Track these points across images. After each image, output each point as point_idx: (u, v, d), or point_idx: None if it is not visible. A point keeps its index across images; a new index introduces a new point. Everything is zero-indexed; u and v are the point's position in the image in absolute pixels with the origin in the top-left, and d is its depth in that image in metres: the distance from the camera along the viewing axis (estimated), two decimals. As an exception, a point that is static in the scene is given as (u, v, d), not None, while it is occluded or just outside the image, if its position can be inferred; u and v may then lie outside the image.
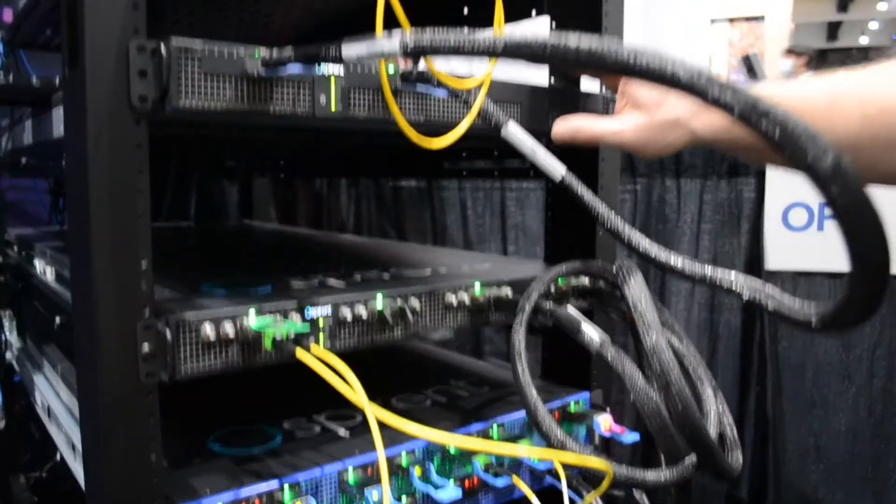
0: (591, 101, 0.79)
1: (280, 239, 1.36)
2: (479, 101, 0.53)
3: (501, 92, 0.70)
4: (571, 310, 0.64)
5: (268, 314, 0.57)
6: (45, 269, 0.99)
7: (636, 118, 0.68)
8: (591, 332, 0.59)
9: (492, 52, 0.35)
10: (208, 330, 0.55)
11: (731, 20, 8.06)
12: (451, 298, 0.70)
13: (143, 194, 0.52)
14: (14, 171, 1.18)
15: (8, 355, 1.33)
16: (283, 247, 1.27)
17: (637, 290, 0.59)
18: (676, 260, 0.54)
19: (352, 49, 0.42)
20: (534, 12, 0.89)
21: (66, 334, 0.90)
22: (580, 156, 0.72)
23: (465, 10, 1.00)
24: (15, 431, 1.27)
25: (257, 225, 1.52)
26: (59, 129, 0.82)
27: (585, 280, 0.75)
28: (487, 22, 0.98)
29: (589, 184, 0.62)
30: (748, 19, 8.04)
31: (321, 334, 0.60)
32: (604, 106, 0.80)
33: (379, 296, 0.64)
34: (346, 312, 0.62)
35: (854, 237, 0.30)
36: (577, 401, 0.84)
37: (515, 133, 0.55)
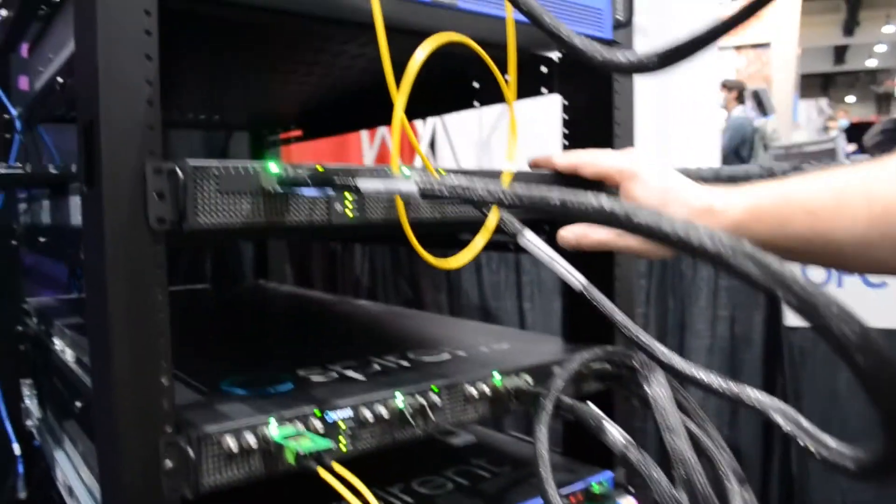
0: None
1: (296, 308, 1.36)
2: (495, 215, 0.53)
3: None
4: (593, 408, 0.63)
5: (288, 423, 0.57)
6: (64, 350, 0.99)
7: None
8: (615, 434, 0.58)
9: (502, 201, 0.35)
10: (230, 442, 0.54)
11: (738, 48, 8.10)
12: (471, 391, 0.69)
13: (163, 313, 0.53)
14: (32, 246, 1.20)
15: (28, 422, 1.34)
16: (300, 321, 1.26)
17: (658, 389, 0.58)
18: (697, 372, 0.54)
19: (369, 184, 0.42)
20: (544, 90, 0.90)
21: (87, 416, 0.90)
22: (595, 258, 0.72)
23: (476, 85, 1.01)
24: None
25: (272, 288, 1.52)
26: (76, 217, 0.83)
27: (606, 364, 0.74)
28: (497, 98, 1.00)
29: (604, 288, 0.62)
30: (754, 46, 8.07)
31: (341, 438, 0.60)
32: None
33: (398, 395, 0.64)
34: (367, 413, 0.62)
35: (885, 407, 0.29)
36: (599, 482, 0.82)
37: (532, 242, 0.55)
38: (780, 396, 1.34)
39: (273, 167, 0.53)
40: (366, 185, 0.42)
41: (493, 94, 0.99)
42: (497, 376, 0.71)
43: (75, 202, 0.83)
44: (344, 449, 0.60)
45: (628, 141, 0.85)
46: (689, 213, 0.66)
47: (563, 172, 0.75)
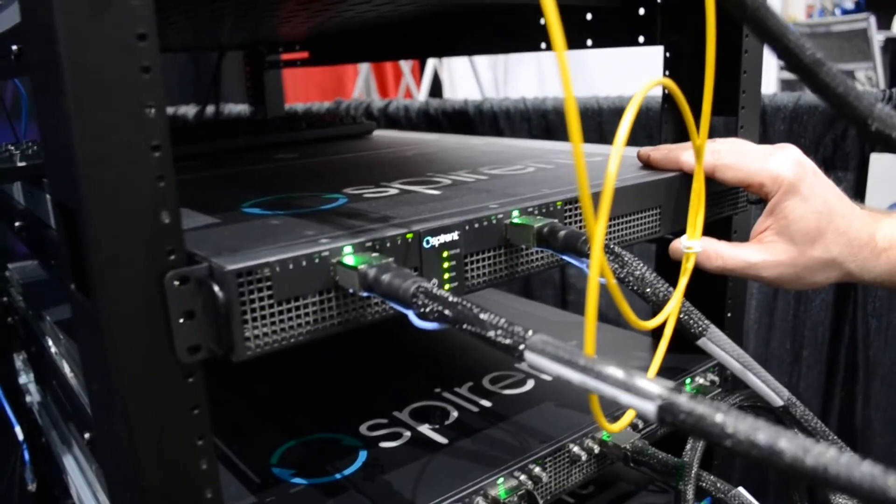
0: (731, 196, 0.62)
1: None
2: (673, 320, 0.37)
3: (635, 197, 0.54)
4: (744, 494, 0.50)
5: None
6: (62, 361, 0.85)
7: (782, 251, 0.53)
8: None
9: (748, 452, 0.20)
10: None
11: None
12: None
13: (209, 461, 0.37)
14: (6, 223, 1.02)
15: (28, 399, 1.21)
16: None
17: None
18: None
19: (576, 376, 0.26)
20: (641, 39, 0.70)
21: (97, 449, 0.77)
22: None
23: (543, 21, 0.80)
24: (49, 497, 1.16)
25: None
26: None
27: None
28: (573, 41, 0.80)
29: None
30: None
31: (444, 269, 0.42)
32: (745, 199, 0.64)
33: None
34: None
35: None
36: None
37: (719, 342, 0.39)
38: (847, 337, 1.24)
39: (353, 253, 0.36)
40: (574, 376, 0.25)
41: (569, 37, 0.79)
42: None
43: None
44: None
45: (753, 115, 0.66)
46: (849, 246, 0.54)
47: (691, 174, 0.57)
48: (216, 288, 0.34)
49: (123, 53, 0.32)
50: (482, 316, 0.29)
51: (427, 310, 0.31)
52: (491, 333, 0.28)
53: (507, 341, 0.27)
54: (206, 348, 0.35)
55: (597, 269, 0.24)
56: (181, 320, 0.34)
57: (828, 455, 0.20)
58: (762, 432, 0.21)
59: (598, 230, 0.24)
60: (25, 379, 1.23)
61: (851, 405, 1.27)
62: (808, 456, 0.20)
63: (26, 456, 1.16)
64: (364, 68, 2.82)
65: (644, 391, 0.23)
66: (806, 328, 1.30)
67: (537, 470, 0.54)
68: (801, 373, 1.31)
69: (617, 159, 0.26)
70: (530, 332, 0.27)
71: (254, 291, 0.35)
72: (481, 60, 2.74)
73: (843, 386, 1.28)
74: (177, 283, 0.34)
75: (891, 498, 0.19)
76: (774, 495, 1.19)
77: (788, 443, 0.21)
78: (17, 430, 1.16)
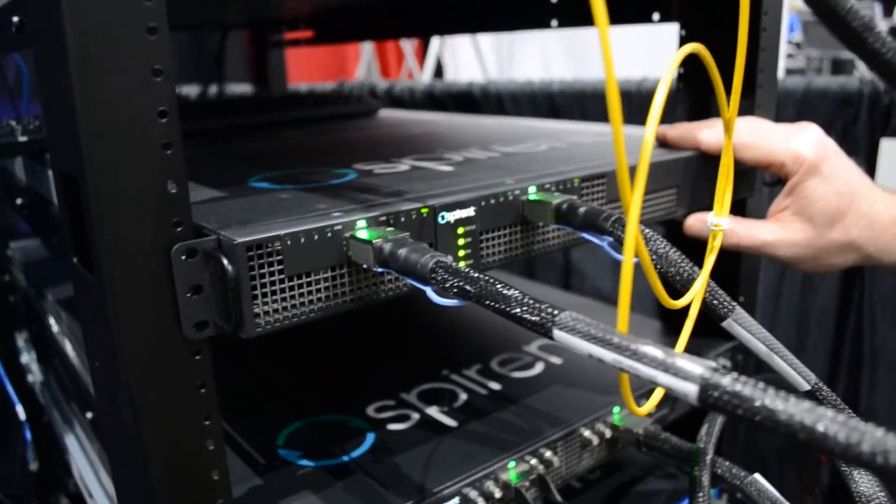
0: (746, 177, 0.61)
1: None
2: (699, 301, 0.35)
3: (653, 177, 0.52)
4: (761, 481, 0.49)
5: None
6: (64, 341, 0.83)
7: (800, 231, 0.52)
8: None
9: (804, 431, 0.19)
10: None
11: None
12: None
13: (215, 441, 0.36)
14: (7, 200, 1.00)
15: (30, 378, 1.20)
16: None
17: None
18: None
19: (610, 356, 0.24)
20: (656, 16, 0.68)
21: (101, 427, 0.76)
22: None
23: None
24: (50, 476, 1.15)
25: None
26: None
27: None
28: (579, 19, 0.78)
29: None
30: None
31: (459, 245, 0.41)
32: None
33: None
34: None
35: None
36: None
37: (744, 323, 0.38)
38: (853, 323, 1.23)
39: (365, 227, 0.35)
40: (611, 356, 0.24)
41: (576, 13, 0.77)
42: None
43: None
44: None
45: (771, 95, 0.65)
46: (870, 228, 0.53)
47: (710, 153, 0.56)
48: (225, 261, 0.32)
49: (129, 13, 0.30)
50: (507, 292, 0.28)
51: (447, 285, 0.30)
52: (517, 310, 0.27)
53: (535, 318, 0.26)
54: (214, 325, 0.34)
55: (632, 246, 0.23)
56: (188, 295, 0.33)
57: (889, 441, 0.19)
58: (813, 414, 0.20)
59: (633, 205, 0.22)
60: (27, 358, 1.22)
61: (856, 392, 1.26)
62: (864, 441, 0.19)
63: (28, 435, 1.15)
64: (367, 50, 2.79)
65: (685, 371, 0.22)
66: (812, 315, 1.29)
67: (549, 454, 0.53)
68: (807, 359, 1.30)
69: (653, 129, 0.24)
70: (559, 310, 0.26)
71: (264, 266, 0.33)
72: (485, 42, 2.71)
73: (849, 373, 1.27)
74: (184, 256, 0.33)
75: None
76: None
77: (841, 427, 0.20)
78: (19, 409, 1.15)
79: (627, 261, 0.23)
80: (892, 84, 0.33)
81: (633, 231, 0.23)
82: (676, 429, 0.60)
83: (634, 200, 0.23)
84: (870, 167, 1.15)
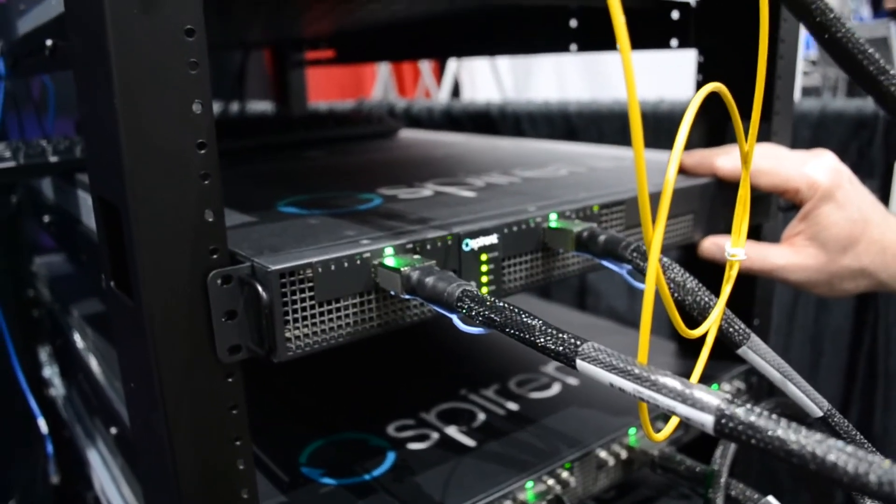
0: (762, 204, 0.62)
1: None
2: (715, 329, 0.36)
3: (671, 204, 0.53)
4: (775, 503, 0.49)
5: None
6: (89, 356, 0.85)
7: (813, 256, 0.53)
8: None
9: (812, 462, 0.20)
10: None
11: None
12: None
13: (246, 461, 0.37)
14: (34, 215, 1.02)
15: (52, 391, 1.22)
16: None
17: None
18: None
19: (630, 385, 0.25)
20: (674, 42, 0.70)
21: (125, 442, 0.77)
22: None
23: (574, 23, 0.80)
24: (71, 490, 1.16)
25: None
26: (88, 220, 0.66)
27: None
28: (599, 44, 0.80)
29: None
30: None
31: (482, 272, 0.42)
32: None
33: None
34: None
35: None
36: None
37: (760, 351, 0.39)
38: (867, 345, 1.22)
39: (394, 255, 0.36)
40: (629, 385, 0.25)
41: (595, 38, 0.78)
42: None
43: (85, 201, 0.66)
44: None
45: (787, 121, 0.66)
46: (882, 255, 0.53)
47: (726, 180, 0.57)
48: (259, 288, 0.34)
49: (172, 49, 0.32)
50: (531, 321, 0.29)
51: (473, 314, 0.31)
52: (541, 340, 0.28)
53: (559, 348, 0.27)
54: (247, 348, 0.35)
55: (653, 276, 0.24)
56: (223, 320, 0.34)
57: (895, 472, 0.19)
58: (823, 446, 0.21)
59: (656, 236, 0.23)
60: (49, 372, 1.24)
61: (871, 413, 1.26)
62: (871, 472, 0.20)
63: (49, 449, 1.16)
64: (384, 68, 2.83)
65: (702, 402, 0.23)
66: (826, 335, 1.29)
67: (566, 474, 0.54)
68: (821, 380, 1.30)
69: (676, 161, 0.26)
70: (582, 340, 0.27)
71: (296, 292, 0.35)
72: (502, 63, 2.73)
73: (863, 394, 1.27)
74: (220, 282, 0.34)
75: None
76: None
77: (850, 458, 0.20)
78: (41, 422, 1.17)
79: (648, 294, 0.24)
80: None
81: (654, 265, 0.24)
82: (691, 450, 0.61)
83: (656, 238, 0.24)
84: (885, 190, 1.15)
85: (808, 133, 1.19)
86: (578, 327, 0.85)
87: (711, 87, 0.29)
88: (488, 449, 0.56)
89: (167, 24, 0.31)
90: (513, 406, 0.63)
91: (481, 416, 0.61)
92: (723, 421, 0.23)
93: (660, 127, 1.22)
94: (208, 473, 0.36)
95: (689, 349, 0.76)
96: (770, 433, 0.22)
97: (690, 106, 0.27)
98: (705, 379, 0.66)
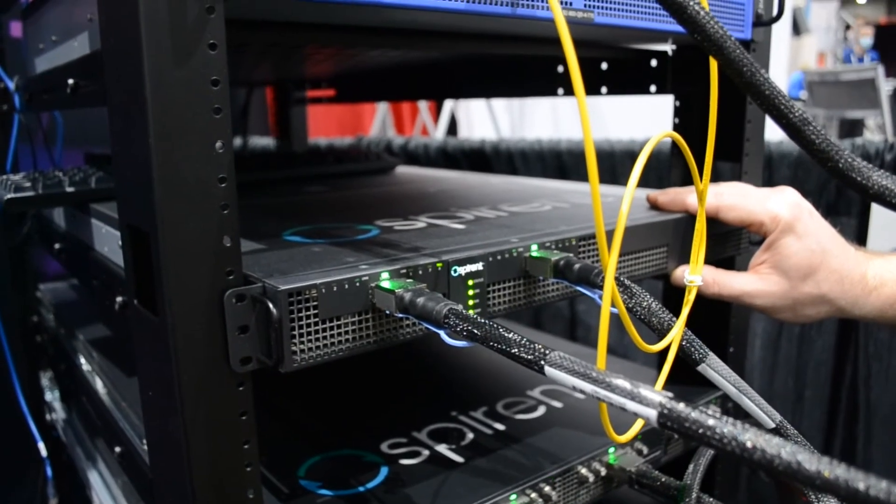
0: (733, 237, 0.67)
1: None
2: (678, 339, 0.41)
3: (645, 236, 0.58)
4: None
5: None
6: (94, 379, 0.89)
7: (776, 284, 0.58)
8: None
9: (750, 458, 0.24)
10: None
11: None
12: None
13: (252, 464, 0.41)
14: (43, 244, 1.07)
15: (53, 416, 1.25)
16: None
17: None
18: None
19: (579, 383, 0.30)
20: (653, 88, 0.75)
21: (129, 462, 0.80)
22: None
23: (560, 69, 0.86)
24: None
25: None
26: (101, 247, 0.70)
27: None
28: (587, 87, 0.86)
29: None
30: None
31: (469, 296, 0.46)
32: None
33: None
34: None
35: None
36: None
37: (717, 369, 0.43)
38: (849, 379, 1.26)
39: (390, 279, 0.41)
40: (580, 384, 0.30)
41: (585, 84, 0.84)
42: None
43: (99, 232, 0.71)
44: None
45: (757, 161, 0.71)
46: (840, 283, 0.58)
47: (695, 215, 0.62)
48: (270, 305, 0.38)
49: (200, 97, 0.37)
50: (507, 335, 0.33)
51: (458, 329, 0.36)
52: (515, 350, 0.32)
53: (530, 356, 0.31)
54: (257, 360, 0.40)
55: (609, 297, 0.28)
56: (237, 334, 0.39)
57: (801, 453, 0.24)
58: (749, 433, 0.25)
59: (611, 263, 0.28)
60: (51, 396, 1.27)
61: (853, 445, 1.29)
62: (782, 451, 0.24)
63: (48, 472, 1.19)
64: (382, 106, 2.90)
65: (647, 399, 0.27)
66: (809, 368, 1.33)
67: (547, 489, 0.57)
68: (804, 412, 1.34)
69: (628, 201, 0.30)
70: (550, 349, 0.31)
71: (302, 310, 0.39)
72: (498, 102, 2.81)
73: (845, 426, 1.30)
74: (234, 300, 0.38)
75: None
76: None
77: (766, 441, 0.25)
78: (41, 446, 1.20)
79: (605, 310, 0.29)
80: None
81: (609, 286, 0.29)
82: (670, 469, 0.64)
83: (611, 264, 0.28)
84: (862, 227, 1.20)
85: (787, 172, 1.25)
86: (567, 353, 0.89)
87: (665, 134, 0.33)
88: (475, 465, 0.60)
89: (196, 76, 0.36)
90: (500, 426, 0.67)
91: (470, 436, 0.65)
92: (664, 413, 0.27)
93: (648, 165, 1.28)
94: (219, 473, 0.40)
95: (673, 377, 0.80)
96: (704, 424, 0.26)
97: (643, 151, 0.32)
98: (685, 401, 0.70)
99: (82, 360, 0.95)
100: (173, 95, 0.36)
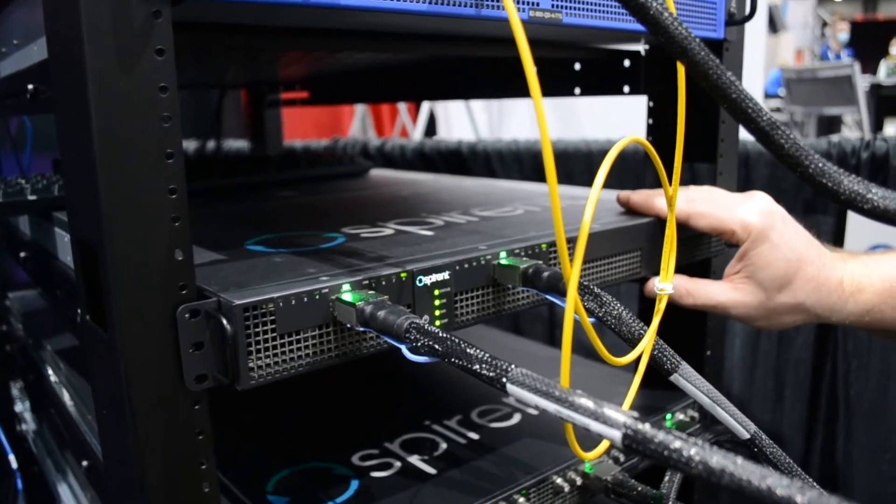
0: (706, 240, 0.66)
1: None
2: (647, 352, 0.40)
3: (617, 241, 0.57)
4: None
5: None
6: (62, 391, 0.86)
7: (751, 294, 0.57)
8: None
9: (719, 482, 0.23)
10: None
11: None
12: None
13: (211, 482, 0.40)
14: (10, 251, 1.04)
15: (24, 426, 1.22)
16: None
17: None
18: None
19: (546, 404, 0.28)
20: (626, 89, 0.74)
21: (95, 475, 0.78)
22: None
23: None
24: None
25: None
26: (64, 257, 0.68)
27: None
28: (554, 88, 0.85)
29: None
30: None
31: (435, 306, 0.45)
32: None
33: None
34: None
35: None
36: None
37: (690, 379, 0.42)
38: (829, 376, 1.26)
39: (352, 291, 0.39)
40: (546, 405, 0.28)
41: (552, 84, 0.83)
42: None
43: (61, 237, 0.69)
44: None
45: (731, 162, 0.70)
46: (817, 291, 0.57)
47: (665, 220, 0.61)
48: (224, 321, 0.37)
49: (147, 104, 0.35)
50: (469, 350, 0.32)
51: (419, 344, 0.34)
52: (476, 366, 0.31)
53: (491, 374, 0.30)
54: (212, 377, 0.38)
55: (571, 308, 0.27)
56: (190, 351, 0.37)
57: (770, 477, 0.23)
58: (716, 456, 0.24)
59: (573, 274, 0.27)
60: (21, 407, 1.24)
61: (833, 442, 1.29)
62: (752, 476, 0.23)
63: (19, 484, 1.16)
64: (360, 107, 2.88)
65: (611, 419, 0.26)
66: (789, 367, 1.33)
67: (521, 500, 0.56)
68: (785, 410, 1.34)
69: (591, 209, 0.29)
70: (512, 366, 0.30)
71: (258, 325, 0.37)
72: (476, 102, 2.80)
73: (825, 423, 1.30)
74: (188, 316, 0.37)
75: None
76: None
77: (735, 465, 0.24)
78: (11, 458, 1.17)
79: (567, 323, 0.27)
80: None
81: (572, 298, 0.27)
82: (648, 476, 0.64)
83: (574, 274, 0.27)
84: (839, 226, 1.20)
85: (765, 171, 1.25)
86: (542, 359, 0.88)
87: (630, 139, 0.32)
88: (448, 476, 0.58)
89: (143, 83, 0.35)
90: (474, 436, 0.65)
91: (443, 446, 0.64)
92: (629, 434, 0.26)
93: (621, 165, 1.27)
94: (175, 495, 0.38)
95: (648, 381, 0.79)
96: (670, 446, 0.25)
97: (608, 155, 0.31)
98: (657, 409, 0.69)
99: (50, 371, 0.93)
100: (119, 103, 0.34)
